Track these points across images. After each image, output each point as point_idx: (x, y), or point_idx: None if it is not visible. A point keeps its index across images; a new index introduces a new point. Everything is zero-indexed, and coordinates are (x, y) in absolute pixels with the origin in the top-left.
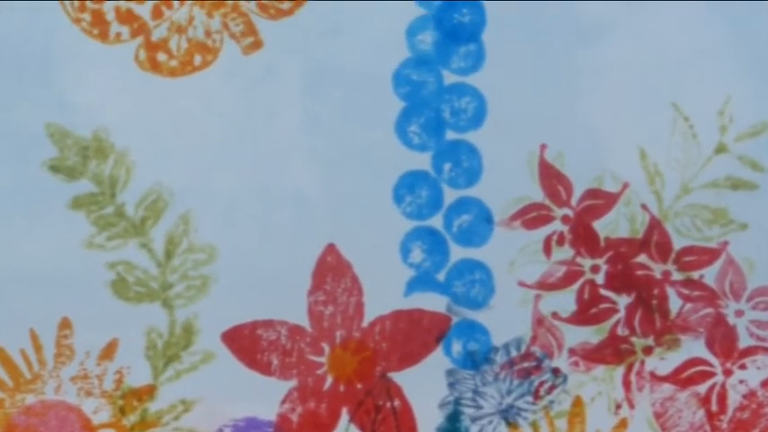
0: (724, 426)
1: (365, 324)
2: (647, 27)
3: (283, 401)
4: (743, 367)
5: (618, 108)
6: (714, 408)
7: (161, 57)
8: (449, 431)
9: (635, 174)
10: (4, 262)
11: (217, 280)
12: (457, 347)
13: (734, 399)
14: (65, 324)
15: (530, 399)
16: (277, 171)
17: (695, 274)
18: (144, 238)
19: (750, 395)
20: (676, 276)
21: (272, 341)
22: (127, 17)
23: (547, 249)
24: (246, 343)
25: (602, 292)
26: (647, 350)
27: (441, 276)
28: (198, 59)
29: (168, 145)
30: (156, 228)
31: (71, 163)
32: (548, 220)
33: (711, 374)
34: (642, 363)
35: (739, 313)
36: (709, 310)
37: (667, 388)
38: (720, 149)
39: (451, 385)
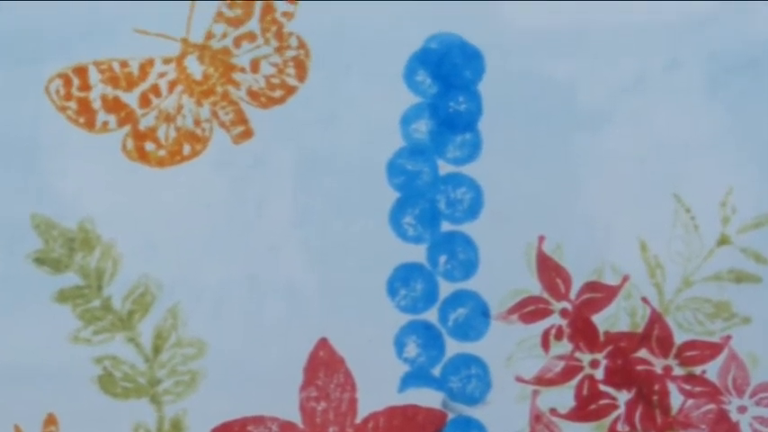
0: None
1: (358, 420)
2: (648, 115)
3: None
4: None
5: (618, 199)
6: None
7: (149, 146)
8: None
9: (635, 266)
10: None
11: (206, 375)
12: None
13: None
14: (50, 420)
15: None
16: (268, 263)
17: (697, 370)
18: (131, 332)
19: None
20: (678, 371)
21: None
22: (114, 105)
23: (545, 344)
24: None
25: (602, 387)
26: None
27: (436, 371)
28: (187, 149)
29: (156, 236)
30: (143, 321)
31: (57, 255)
32: (546, 313)
33: None
34: None
35: (742, 409)
36: (712, 406)
37: None
38: (723, 241)
39: None
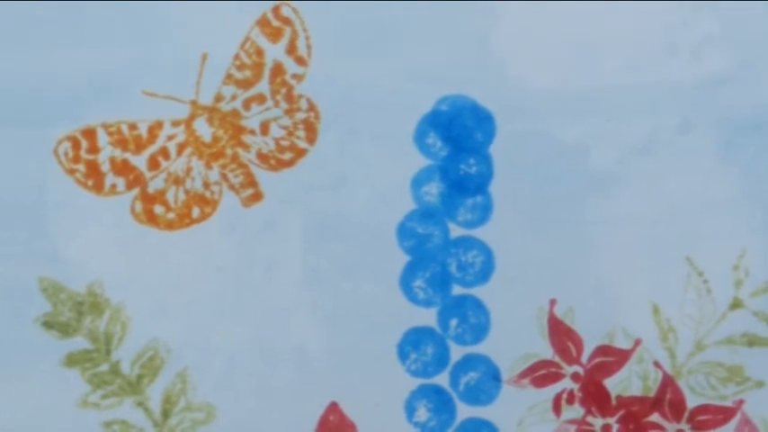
0: None
1: None
2: (660, 178)
3: None
4: None
5: (630, 262)
6: None
7: (158, 209)
8: None
9: (648, 330)
10: None
11: None
12: None
13: None
14: None
15: None
16: (278, 327)
17: None
18: (140, 396)
19: None
20: None
21: None
22: (122, 168)
23: (556, 408)
24: None
25: None
26: None
27: None
28: (196, 212)
29: (165, 300)
30: (152, 386)
31: (65, 319)
32: (557, 377)
33: None
34: None
35: None
36: None
37: None
38: (736, 305)
39: None
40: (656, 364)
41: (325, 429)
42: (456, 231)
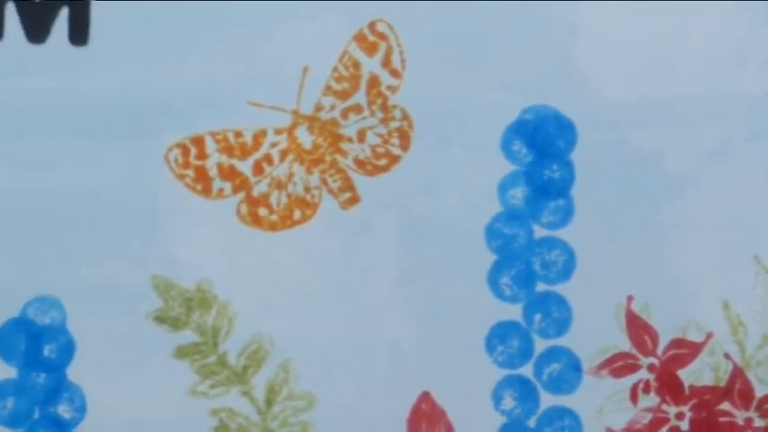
0: None
1: None
2: (730, 182)
3: None
4: None
5: (702, 261)
6: None
7: (262, 211)
8: None
9: (719, 324)
10: (111, 410)
11: (315, 426)
12: None
13: None
14: None
15: None
16: (373, 323)
17: None
18: (245, 386)
19: None
20: (758, 423)
21: None
22: (229, 173)
23: (633, 397)
24: None
25: None
26: None
27: (531, 423)
28: (297, 214)
29: (269, 296)
30: (257, 376)
31: (175, 314)
32: (634, 368)
33: None
34: None
35: None
36: None
37: None
38: None
39: None
40: (727, 356)
41: (418, 417)
42: (540, 232)
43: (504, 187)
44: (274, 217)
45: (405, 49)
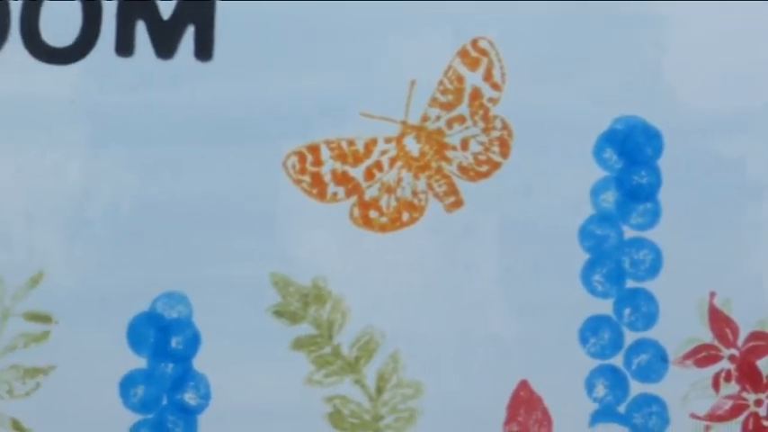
0: None
1: None
2: None
3: None
4: None
5: None
6: None
7: (373, 214)
8: None
9: None
10: (234, 397)
11: (423, 412)
12: None
13: None
14: None
15: None
16: (476, 316)
17: None
18: (358, 375)
19: None
20: None
21: None
22: (342, 179)
23: (715, 385)
24: None
25: (765, 423)
26: None
27: (621, 409)
28: (406, 216)
29: (379, 292)
30: (368, 366)
31: (293, 308)
32: (716, 359)
33: None
34: None
35: None
36: None
37: None
38: None
39: None
40: None
41: (517, 403)
42: (629, 233)
43: (596, 191)
44: (384, 219)
45: (505, 64)
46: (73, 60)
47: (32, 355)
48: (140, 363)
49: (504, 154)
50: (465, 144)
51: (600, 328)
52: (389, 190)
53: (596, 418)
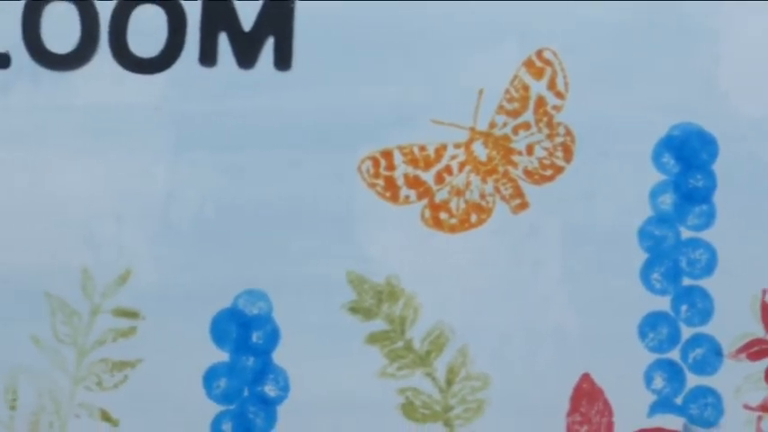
0: None
1: None
2: None
3: None
4: None
5: None
6: None
7: (443, 215)
8: None
9: None
10: (311, 389)
11: (490, 403)
12: None
13: None
14: None
15: None
16: (540, 312)
17: None
18: (429, 368)
19: None
20: None
21: None
22: (414, 182)
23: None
24: None
25: None
26: None
27: (678, 400)
28: (474, 218)
29: (449, 290)
30: (438, 359)
31: (367, 305)
32: None
33: None
34: None
35: None
36: None
37: None
38: None
39: None
40: None
41: (579, 394)
42: (686, 234)
43: (654, 194)
44: (454, 220)
45: (568, 74)
46: (159, 70)
47: (121, 349)
48: (223, 356)
49: (568, 159)
50: (530, 149)
51: (658, 323)
52: (459, 193)
53: (654, 408)
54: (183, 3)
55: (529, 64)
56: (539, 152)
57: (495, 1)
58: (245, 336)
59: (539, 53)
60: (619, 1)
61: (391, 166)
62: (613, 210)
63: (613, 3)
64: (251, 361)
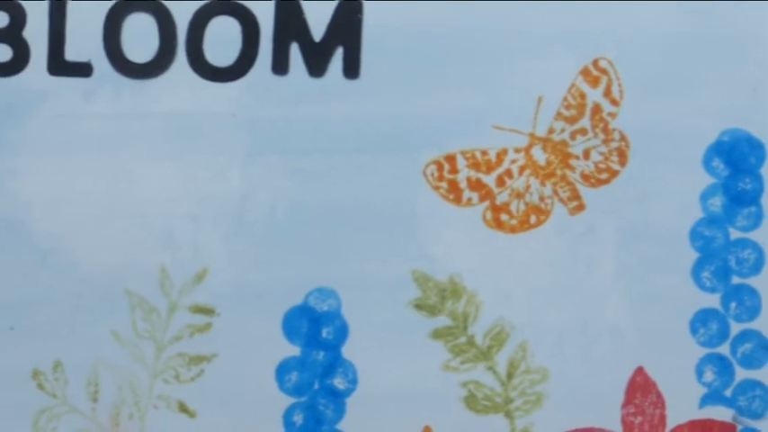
0: None
1: (667, 431)
2: None
3: None
4: None
5: None
6: None
7: (504, 217)
8: None
9: None
10: (378, 382)
11: (549, 396)
12: None
13: None
14: (427, 431)
15: None
16: (597, 309)
17: None
18: (490, 362)
19: None
20: None
21: None
22: (476, 185)
23: None
24: None
25: None
26: None
27: (728, 393)
28: (533, 219)
29: (509, 288)
30: (499, 354)
31: (432, 302)
32: None
33: None
34: None
35: None
36: None
37: None
38: None
39: None
40: None
41: (634, 388)
42: (735, 234)
43: (705, 197)
44: (514, 221)
45: (622, 82)
46: (234, 78)
47: (197, 344)
48: (294, 351)
49: (622, 163)
50: (587, 154)
51: (708, 319)
52: (519, 195)
53: (705, 400)
54: (256, 14)
55: (585, 73)
56: (595, 156)
57: (553, 13)
58: (316, 331)
59: (595, 62)
60: (671, 13)
61: (454, 170)
62: (666, 211)
63: (665, 14)
64: (321, 355)
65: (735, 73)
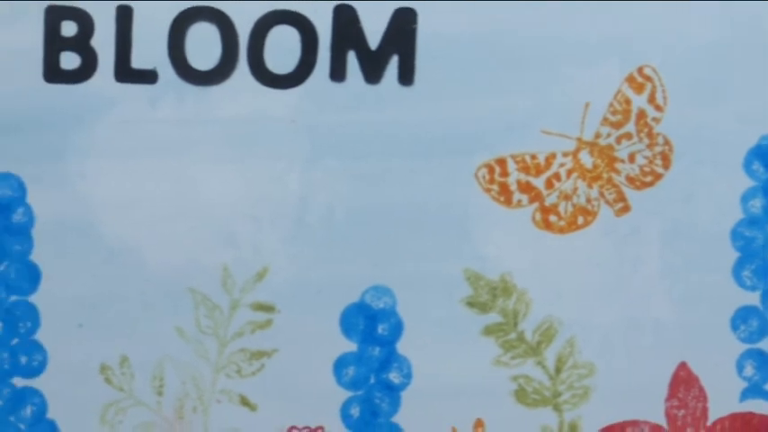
0: None
1: (709, 423)
2: None
3: None
4: None
5: None
6: None
7: (552, 218)
8: None
9: None
10: (432, 376)
11: (596, 390)
12: None
13: None
14: (479, 423)
15: None
16: (642, 305)
17: None
18: (539, 357)
19: None
20: None
21: None
22: (526, 188)
23: None
24: None
25: None
26: None
27: (767, 387)
28: (581, 220)
29: (558, 286)
30: (548, 349)
31: (483, 300)
32: None
33: None
34: None
35: None
36: None
37: None
38: None
39: None
40: None
41: (677, 381)
42: None
43: (745, 199)
44: (562, 222)
45: (666, 89)
46: (293, 85)
47: (258, 340)
48: (351, 347)
49: (666, 166)
50: (632, 158)
51: (749, 316)
52: (567, 197)
53: (746, 394)
54: (315, 24)
55: (631, 80)
56: (640, 160)
57: (600, 22)
58: (372, 328)
59: (640, 70)
60: (713, 21)
61: (505, 173)
62: (708, 213)
63: (707, 23)
64: (377, 351)
65: None
